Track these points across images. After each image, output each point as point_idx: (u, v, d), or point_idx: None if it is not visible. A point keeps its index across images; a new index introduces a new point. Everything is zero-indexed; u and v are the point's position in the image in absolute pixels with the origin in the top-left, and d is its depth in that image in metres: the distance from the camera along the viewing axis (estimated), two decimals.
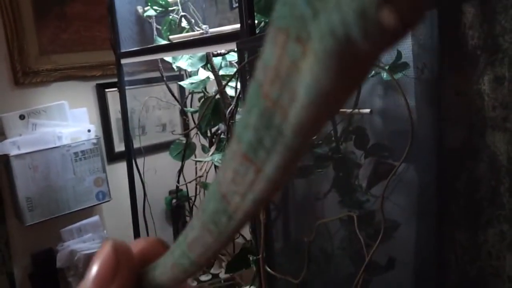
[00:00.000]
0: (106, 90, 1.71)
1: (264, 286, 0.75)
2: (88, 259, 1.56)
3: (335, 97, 0.13)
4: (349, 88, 0.13)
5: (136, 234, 1.40)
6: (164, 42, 1.15)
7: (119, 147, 1.74)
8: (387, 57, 1.04)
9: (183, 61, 1.04)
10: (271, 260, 0.80)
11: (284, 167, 0.14)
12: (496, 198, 0.93)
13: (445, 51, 0.98)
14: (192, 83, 1.08)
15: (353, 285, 0.94)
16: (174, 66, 1.10)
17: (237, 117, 1.02)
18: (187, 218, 1.71)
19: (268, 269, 0.77)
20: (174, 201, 1.81)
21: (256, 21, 0.73)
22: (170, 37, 1.04)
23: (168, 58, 1.14)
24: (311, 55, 0.13)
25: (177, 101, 1.42)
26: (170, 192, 1.85)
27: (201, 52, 1.00)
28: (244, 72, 0.74)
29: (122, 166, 1.70)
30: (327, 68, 0.12)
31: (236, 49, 0.76)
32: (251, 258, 0.99)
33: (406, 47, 1.03)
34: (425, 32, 1.02)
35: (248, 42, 0.71)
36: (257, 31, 0.73)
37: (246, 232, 1.26)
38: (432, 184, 1.04)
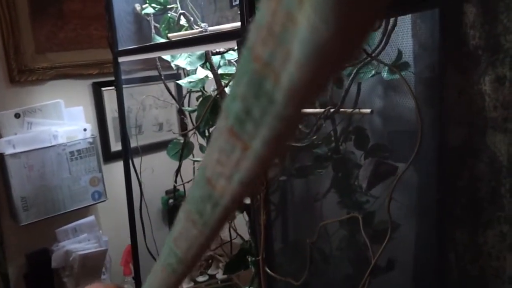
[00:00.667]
0: (103, 88, 1.69)
1: (264, 287, 0.74)
2: (83, 260, 1.54)
3: (334, 51, 0.11)
4: (351, 39, 0.11)
5: (133, 234, 1.38)
6: (162, 40, 1.14)
7: (115, 146, 1.73)
8: (388, 57, 1.04)
9: (182, 59, 1.03)
10: (271, 261, 0.79)
11: (273, 141, 0.13)
12: (497, 199, 0.93)
13: (446, 51, 0.97)
14: (190, 82, 1.07)
15: (356, 286, 0.93)
16: (172, 64, 1.09)
17: None
18: None
19: (268, 271, 0.76)
20: (170, 201, 1.80)
21: None
22: (169, 35, 1.03)
23: (166, 56, 1.13)
24: (308, 2, 0.11)
25: (175, 100, 1.40)
26: (167, 192, 1.84)
27: (200, 50, 0.99)
28: None
29: (118, 166, 1.69)
30: (326, 14, 0.11)
31: (236, 48, 0.74)
32: (249, 259, 0.97)
33: (407, 46, 1.02)
34: (427, 31, 1.01)
35: None
36: None
37: (245, 232, 1.25)
38: (432, 184, 1.03)
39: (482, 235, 0.96)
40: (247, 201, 0.95)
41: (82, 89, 1.67)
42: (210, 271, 1.54)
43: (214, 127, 1.18)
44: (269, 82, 0.12)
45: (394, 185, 0.71)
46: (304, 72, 0.11)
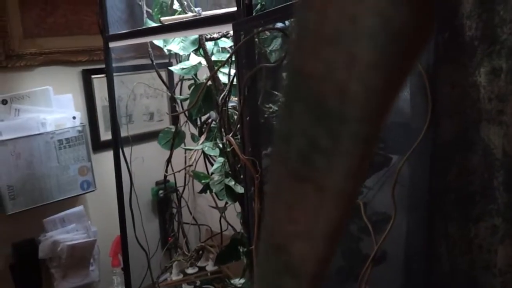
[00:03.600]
0: (93, 76, 1.66)
1: None
2: (71, 250, 1.52)
3: (411, 38, 0.09)
4: (425, 18, 0.09)
5: (122, 225, 1.36)
6: (155, 25, 1.12)
7: (105, 135, 1.70)
8: None
9: (175, 44, 1.01)
10: None
11: (354, 169, 0.10)
12: (489, 192, 0.92)
13: (442, 42, 0.96)
14: (183, 69, 1.05)
15: (349, 277, 0.93)
16: (165, 49, 1.07)
17: (230, 104, 0.99)
18: (174, 210, 1.68)
19: None
20: (161, 192, 1.78)
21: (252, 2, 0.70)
22: (162, 19, 1.01)
23: (158, 42, 1.11)
24: None
25: (166, 86, 1.38)
26: (157, 183, 1.82)
27: (194, 34, 0.97)
28: (241, 54, 0.71)
29: (107, 156, 1.66)
30: None
31: (232, 31, 0.73)
32: (241, 250, 0.96)
33: None
34: None
35: (245, 23, 0.68)
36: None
37: (236, 224, 1.24)
38: (424, 176, 1.03)
39: (474, 228, 0.96)
40: (241, 191, 0.94)
41: (71, 76, 1.63)
42: (200, 263, 1.53)
43: (206, 115, 1.15)
44: (333, 98, 0.10)
45: (398, 171, 0.70)
46: (381, 72, 0.09)
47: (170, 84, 1.63)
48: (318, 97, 0.10)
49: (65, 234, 1.55)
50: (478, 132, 0.93)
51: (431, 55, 0.99)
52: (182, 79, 1.32)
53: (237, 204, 1.07)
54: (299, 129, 0.10)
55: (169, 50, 1.08)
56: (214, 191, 0.97)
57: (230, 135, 0.83)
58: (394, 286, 1.04)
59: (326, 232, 0.10)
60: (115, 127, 1.28)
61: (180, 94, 1.35)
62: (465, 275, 0.98)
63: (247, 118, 0.75)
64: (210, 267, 1.50)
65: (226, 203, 1.18)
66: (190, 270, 1.50)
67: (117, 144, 1.31)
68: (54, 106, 1.55)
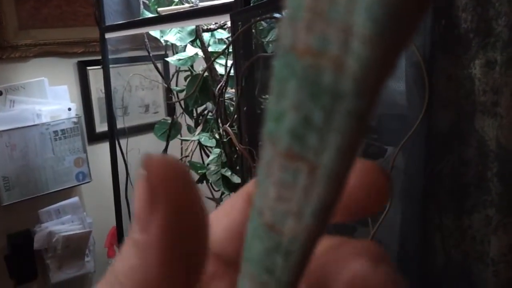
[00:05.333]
0: (88, 68, 1.66)
1: None
2: (66, 241, 1.52)
3: (410, 5, 0.09)
4: None
5: (118, 216, 1.37)
6: (151, 16, 1.12)
7: (101, 127, 1.70)
8: None
9: (172, 35, 1.01)
10: None
11: (347, 147, 0.10)
12: (483, 183, 0.93)
13: (437, 34, 0.97)
14: (179, 60, 1.05)
15: None
16: (162, 40, 1.07)
17: (227, 95, 1.00)
18: None
19: None
20: None
21: None
22: (159, 9, 1.01)
23: (155, 33, 1.11)
24: None
25: (162, 77, 1.38)
26: None
27: (191, 25, 0.97)
28: (238, 45, 0.71)
29: (103, 147, 1.66)
30: None
31: (230, 21, 0.73)
32: None
33: None
34: None
35: (242, 13, 0.69)
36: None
37: None
38: (418, 168, 1.04)
39: (467, 218, 0.97)
40: (237, 181, 0.94)
41: (66, 67, 1.63)
42: None
43: (202, 106, 1.15)
44: (328, 73, 0.10)
45: (393, 159, 0.71)
46: (377, 44, 0.09)
47: (166, 76, 1.63)
48: (313, 73, 0.10)
49: (60, 225, 1.55)
50: (472, 124, 0.94)
51: (427, 47, 1.00)
52: (178, 71, 1.32)
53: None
54: (291, 107, 0.10)
55: (165, 41, 1.08)
56: (210, 181, 0.98)
57: (227, 125, 0.84)
58: None
59: (317, 211, 0.11)
60: (111, 118, 1.28)
61: (176, 86, 1.35)
62: (458, 265, 0.99)
63: (244, 108, 0.75)
64: None
65: (222, 194, 1.18)
66: None
67: (113, 135, 1.31)
68: (49, 97, 1.54)
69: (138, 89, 1.79)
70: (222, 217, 0.17)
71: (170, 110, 1.75)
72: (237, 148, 0.96)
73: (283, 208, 0.12)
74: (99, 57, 1.35)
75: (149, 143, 1.63)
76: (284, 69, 0.11)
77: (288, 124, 0.11)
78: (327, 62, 0.10)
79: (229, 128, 0.82)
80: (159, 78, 1.52)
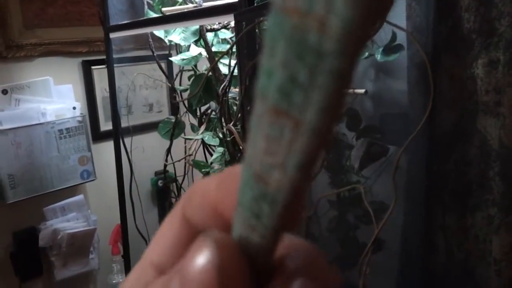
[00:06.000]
0: (93, 67, 1.67)
1: None
2: (71, 238, 1.53)
3: None
4: None
5: (122, 214, 1.38)
6: (156, 15, 1.12)
7: (105, 126, 1.71)
8: (382, 38, 1.03)
9: (176, 34, 1.02)
10: None
11: (328, 106, 0.11)
12: (485, 182, 0.94)
13: (440, 34, 0.97)
14: (183, 59, 1.05)
15: (345, 266, 0.94)
16: (166, 40, 1.08)
17: (230, 95, 1.00)
18: (173, 200, 1.70)
19: None
20: (160, 182, 1.79)
21: None
22: (163, 9, 1.01)
23: (159, 33, 1.11)
24: None
25: (166, 76, 1.39)
26: (156, 173, 1.83)
27: (195, 25, 0.98)
28: (242, 45, 0.72)
29: (107, 146, 1.67)
30: None
31: (234, 21, 0.74)
32: None
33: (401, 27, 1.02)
34: (421, 14, 1.01)
35: (246, 13, 0.69)
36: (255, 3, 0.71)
37: None
38: (421, 167, 1.04)
39: (470, 217, 0.97)
40: None
41: (71, 67, 1.64)
42: None
43: (206, 105, 1.16)
44: (313, 33, 0.10)
45: (399, 157, 0.72)
46: (359, 5, 0.10)
47: (169, 75, 1.64)
48: (299, 33, 0.11)
49: (65, 222, 1.56)
50: (475, 124, 0.94)
51: (430, 47, 1.00)
52: (182, 70, 1.33)
53: None
54: (280, 65, 0.11)
55: (170, 41, 1.09)
56: None
57: (231, 124, 0.85)
58: (392, 275, 1.06)
59: (300, 164, 0.12)
60: (115, 117, 1.29)
61: (180, 85, 1.35)
62: (461, 264, 0.99)
63: (248, 108, 0.76)
64: None
65: None
66: None
67: (117, 134, 1.32)
68: (54, 96, 1.56)
69: (142, 89, 1.80)
70: (165, 232, 0.19)
71: (174, 109, 1.76)
72: (240, 147, 0.97)
73: (269, 161, 0.12)
74: (104, 57, 1.35)
75: (153, 142, 1.64)
76: (275, 28, 0.11)
77: (277, 81, 0.11)
78: (312, 22, 0.10)
79: (233, 127, 0.83)
80: (163, 78, 1.53)
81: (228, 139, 0.94)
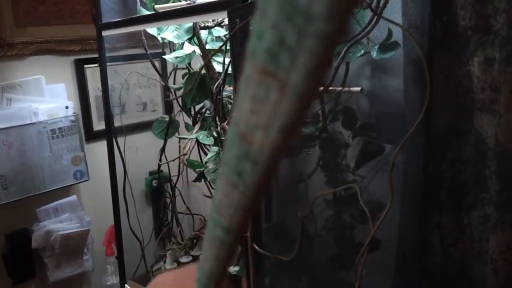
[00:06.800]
0: (85, 66, 1.65)
1: (251, 264, 0.73)
2: (65, 240, 1.52)
3: None
4: None
5: (116, 214, 1.36)
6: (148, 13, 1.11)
7: (98, 125, 1.69)
8: (378, 36, 1.03)
9: (169, 32, 1.00)
10: (258, 239, 0.78)
11: (314, 69, 0.11)
12: (481, 180, 0.93)
13: (435, 31, 0.96)
14: (177, 57, 1.04)
15: (342, 265, 0.93)
16: (159, 37, 1.06)
17: (224, 93, 0.99)
18: (167, 200, 1.68)
19: (257, 247, 0.75)
20: (154, 181, 1.78)
21: None
22: (156, 6, 1.00)
23: (152, 31, 1.10)
24: None
25: (160, 75, 1.38)
26: (150, 173, 1.82)
27: (189, 22, 0.96)
28: (236, 42, 0.71)
29: (100, 146, 1.66)
30: None
31: (227, 18, 0.72)
32: None
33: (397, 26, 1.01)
34: (416, 11, 1.00)
35: (240, 9, 0.68)
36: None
37: None
38: (417, 165, 1.03)
39: (466, 216, 0.97)
40: None
41: (64, 65, 1.62)
42: (193, 252, 1.54)
43: (200, 105, 1.15)
44: None
45: (395, 155, 0.71)
46: None
47: (163, 74, 1.63)
48: None
49: (58, 223, 1.55)
50: (471, 122, 0.94)
51: (425, 44, 0.99)
52: (175, 69, 1.32)
53: None
54: (270, 26, 0.11)
55: (163, 39, 1.08)
56: (209, 179, 0.97)
57: (225, 123, 0.83)
58: (387, 275, 1.05)
59: (283, 126, 0.12)
60: (108, 116, 1.28)
61: (174, 84, 1.34)
62: (457, 263, 0.99)
63: None
64: None
65: None
66: (184, 259, 1.50)
67: (110, 133, 1.30)
68: (46, 95, 1.54)
69: (135, 87, 1.78)
70: None
71: (168, 108, 1.75)
72: None
73: (254, 121, 0.13)
74: (96, 55, 1.34)
75: (146, 142, 1.63)
76: None
77: (266, 42, 0.12)
78: None
79: (227, 126, 0.82)
80: (157, 76, 1.52)
81: (223, 138, 0.93)
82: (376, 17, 0.88)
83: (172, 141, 1.44)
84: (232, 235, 0.16)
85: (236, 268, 1.01)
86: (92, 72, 1.65)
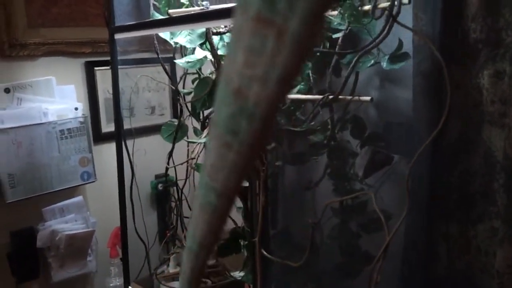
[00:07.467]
0: (96, 68, 1.66)
1: (259, 269, 0.73)
2: (70, 240, 1.52)
3: None
4: None
5: (122, 216, 1.37)
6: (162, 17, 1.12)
7: (106, 127, 1.70)
8: (388, 47, 1.03)
9: (182, 36, 1.01)
10: (266, 244, 0.78)
11: (313, 14, 0.11)
12: (489, 194, 0.93)
13: (446, 43, 0.97)
14: (188, 62, 1.05)
15: (348, 273, 0.93)
16: (172, 42, 1.07)
17: None
18: (172, 203, 1.69)
19: (265, 253, 0.76)
20: (160, 185, 1.78)
21: None
22: (169, 11, 1.01)
23: (164, 35, 1.11)
24: None
25: (170, 78, 1.38)
26: (156, 176, 1.82)
27: (201, 27, 0.97)
28: None
29: (108, 148, 1.67)
30: None
31: None
32: (242, 243, 0.97)
33: (407, 37, 1.02)
34: (427, 23, 1.01)
35: None
36: None
37: (235, 217, 1.24)
38: (425, 177, 1.03)
39: (472, 229, 0.97)
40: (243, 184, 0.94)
41: (74, 67, 1.63)
42: None
43: (210, 109, 1.15)
44: None
45: (412, 164, 0.71)
46: None
47: (173, 78, 1.64)
48: None
49: (64, 224, 1.55)
50: (480, 134, 0.94)
51: (436, 56, 1.00)
52: (185, 73, 1.33)
53: (237, 198, 1.07)
54: None
55: (175, 43, 1.09)
56: None
57: None
58: (393, 284, 1.04)
59: (281, 77, 0.11)
60: (118, 119, 1.29)
61: (183, 88, 1.35)
62: (462, 275, 0.98)
63: None
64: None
65: None
66: None
67: (120, 136, 1.31)
68: (56, 96, 1.55)
69: (144, 91, 1.79)
70: None
71: (176, 112, 1.75)
72: None
73: (250, 73, 0.12)
74: (107, 58, 1.35)
75: (153, 145, 1.64)
76: None
77: None
78: None
79: None
80: (166, 80, 1.53)
81: None
82: (388, 26, 0.89)
83: (179, 146, 1.44)
84: (226, 199, 0.15)
85: (242, 274, 1.01)
86: (102, 75, 1.67)
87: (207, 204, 0.16)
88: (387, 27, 0.85)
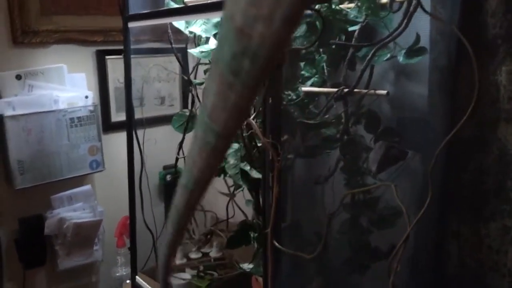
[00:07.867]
0: (107, 57, 1.66)
1: (271, 261, 0.73)
2: (77, 228, 1.52)
3: None
4: None
5: (131, 206, 1.36)
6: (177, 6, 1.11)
7: (116, 117, 1.70)
8: (405, 41, 1.02)
9: (197, 26, 1.00)
10: (278, 236, 0.77)
11: None
12: (502, 192, 0.92)
13: (464, 39, 0.95)
14: (202, 52, 1.04)
15: (357, 269, 0.92)
16: (186, 31, 1.06)
17: None
18: None
19: (277, 244, 0.75)
20: (168, 176, 1.78)
21: None
22: (185, 0, 1.00)
23: (178, 25, 1.10)
24: None
25: (182, 67, 1.38)
26: (165, 167, 1.82)
27: (217, 17, 0.96)
28: None
29: (117, 137, 1.67)
30: None
31: None
32: (252, 235, 0.96)
33: (425, 31, 1.00)
34: (445, 17, 0.99)
35: None
36: None
37: (245, 209, 1.23)
38: (439, 174, 1.02)
39: (484, 227, 0.96)
40: (256, 176, 0.94)
41: (85, 55, 1.63)
42: (203, 249, 1.53)
43: None
44: None
45: (436, 157, 0.70)
46: None
47: (185, 69, 1.63)
48: None
49: (71, 212, 1.55)
50: (495, 132, 0.92)
51: (453, 51, 0.98)
52: (198, 64, 1.32)
53: (245, 191, 1.06)
54: None
55: (190, 32, 1.08)
56: (229, 174, 0.97)
57: (251, 118, 0.83)
58: (402, 281, 1.04)
59: (286, 16, 0.11)
60: (130, 109, 1.28)
61: (195, 79, 1.34)
62: (473, 273, 0.98)
63: (270, 101, 0.74)
64: (213, 253, 1.50)
65: (235, 190, 1.18)
66: (194, 255, 1.50)
67: (131, 125, 1.30)
68: (67, 84, 1.55)
69: (155, 81, 1.79)
70: None
71: (186, 103, 1.75)
72: (256, 142, 0.96)
73: (254, 12, 0.12)
74: (118, 47, 1.34)
75: (162, 136, 1.63)
76: None
77: None
78: None
79: (253, 122, 0.81)
80: (177, 71, 1.52)
81: (245, 134, 0.93)
82: (406, 19, 0.87)
83: (189, 136, 1.44)
84: (225, 140, 0.15)
85: (251, 266, 1.01)
86: (113, 63, 1.66)
87: (206, 144, 0.15)
88: (406, 20, 0.84)
